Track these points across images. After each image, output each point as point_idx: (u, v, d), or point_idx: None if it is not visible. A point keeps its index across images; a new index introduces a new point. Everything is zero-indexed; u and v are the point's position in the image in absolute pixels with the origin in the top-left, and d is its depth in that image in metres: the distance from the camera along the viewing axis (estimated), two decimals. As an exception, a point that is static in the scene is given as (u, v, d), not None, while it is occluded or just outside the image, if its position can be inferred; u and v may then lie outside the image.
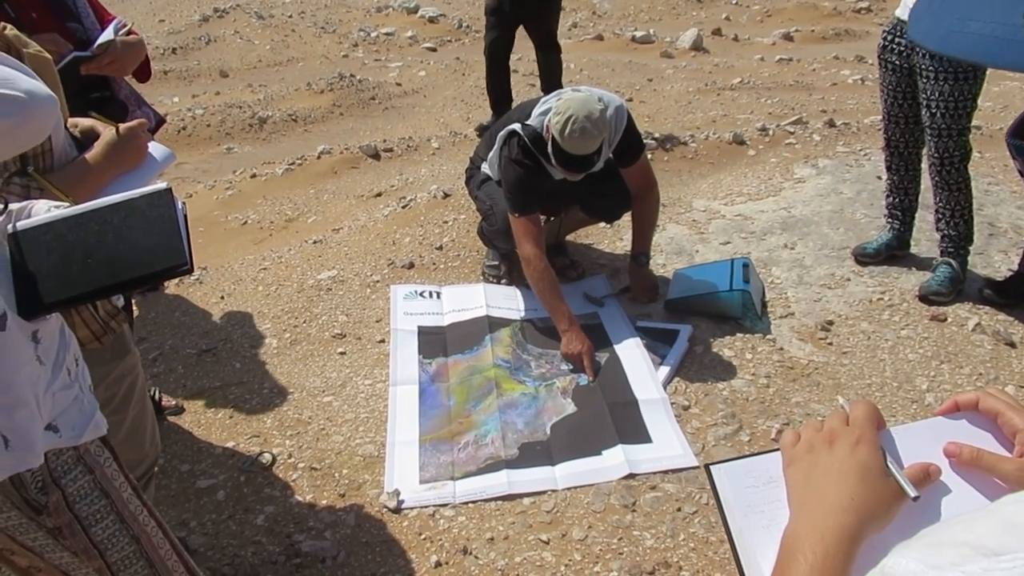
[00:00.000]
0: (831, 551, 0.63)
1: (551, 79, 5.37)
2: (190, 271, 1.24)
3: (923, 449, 0.72)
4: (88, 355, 1.43)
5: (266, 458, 2.55)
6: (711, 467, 0.77)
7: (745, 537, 0.72)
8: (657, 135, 4.99)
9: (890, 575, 0.45)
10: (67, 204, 1.24)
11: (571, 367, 2.90)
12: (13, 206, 1.22)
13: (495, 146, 3.14)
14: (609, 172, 3.13)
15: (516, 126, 3.02)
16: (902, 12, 3.04)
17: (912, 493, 0.67)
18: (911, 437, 0.73)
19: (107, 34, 2.24)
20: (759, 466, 0.76)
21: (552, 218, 3.47)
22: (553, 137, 2.82)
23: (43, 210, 1.21)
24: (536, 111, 3.01)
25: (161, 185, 1.24)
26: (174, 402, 2.82)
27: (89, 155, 1.49)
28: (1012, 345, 2.96)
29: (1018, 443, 0.70)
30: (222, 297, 3.53)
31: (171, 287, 3.63)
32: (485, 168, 3.31)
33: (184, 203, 1.30)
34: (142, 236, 1.20)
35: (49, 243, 1.17)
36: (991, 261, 3.53)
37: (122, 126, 1.54)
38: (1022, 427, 0.70)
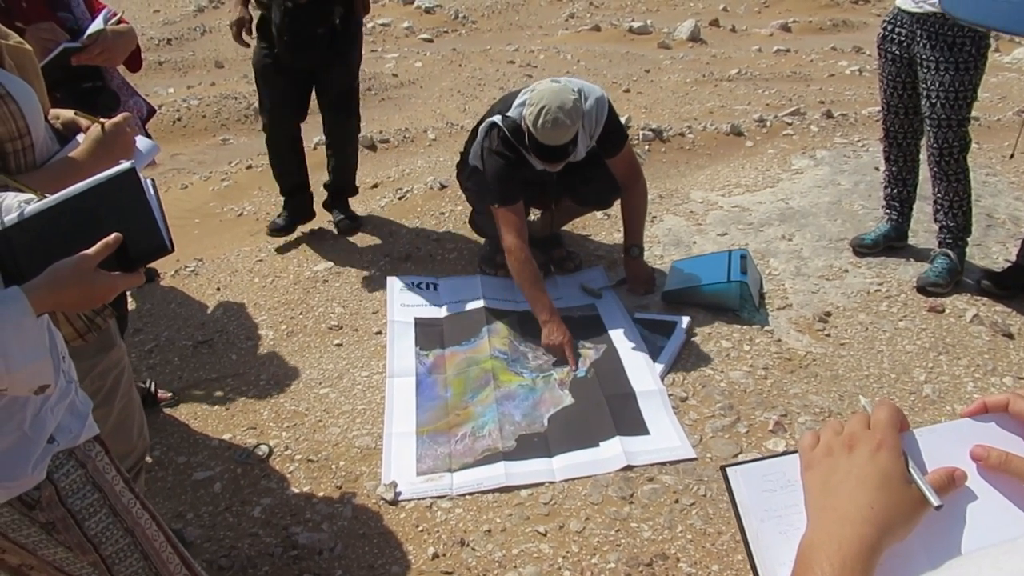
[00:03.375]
0: (849, 563, 0.60)
1: (340, 164, 3.80)
2: (171, 251, 1.20)
3: (948, 452, 0.68)
4: (72, 349, 1.41)
5: (263, 450, 2.55)
6: (727, 469, 0.74)
7: (761, 542, 0.70)
8: (654, 126, 4.97)
9: None
10: (36, 197, 1.18)
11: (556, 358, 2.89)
12: None
13: (477, 138, 3.14)
14: (594, 160, 3.12)
15: (496, 118, 3.02)
16: (902, 1, 3.02)
17: (935, 502, 0.63)
18: (936, 440, 0.70)
19: (97, 23, 2.22)
20: (776, 469, 0.73)
21: (544, 212, 3.45)
22: (528, 128, 2.81)
23: (13, 206, 1.15)
24: (516, 102, 3.00)
25: (125, 165, 1.19)
26: (170, 394, 2.81)
27: (75, 152, 1.44)
28: (1010, 336, 2.95)
29: None
30: (218, 289, 3.51)
31: (167, 279, 3.61)
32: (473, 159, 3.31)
33: (153, 180, 1.26)
34: (117, 222, 1.14)
35: (29, 242, 1.11)
36: (989, 252, 3.52)
37: (107, 122, 1.48)
38: None
